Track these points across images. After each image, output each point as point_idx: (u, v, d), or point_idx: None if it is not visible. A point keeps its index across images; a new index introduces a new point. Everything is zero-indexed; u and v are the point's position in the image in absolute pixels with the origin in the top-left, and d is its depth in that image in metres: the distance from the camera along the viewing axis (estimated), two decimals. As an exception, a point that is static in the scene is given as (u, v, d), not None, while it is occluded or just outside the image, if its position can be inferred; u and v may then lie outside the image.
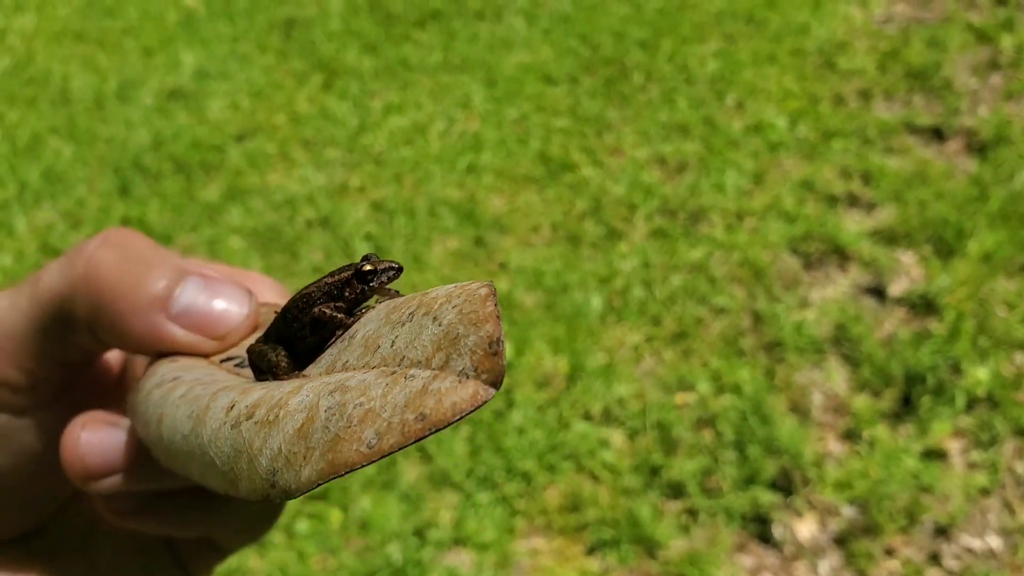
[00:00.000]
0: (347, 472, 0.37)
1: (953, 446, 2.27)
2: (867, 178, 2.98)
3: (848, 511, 2.13)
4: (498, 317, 0.37)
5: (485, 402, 0.36)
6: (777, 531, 2.09)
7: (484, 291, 0.38)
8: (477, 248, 2.83)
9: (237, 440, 0.42)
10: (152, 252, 0.55)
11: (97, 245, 0.54)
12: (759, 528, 2.09)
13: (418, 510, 2.16)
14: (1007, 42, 3.55)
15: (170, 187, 3.24)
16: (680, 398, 2.36)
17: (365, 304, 0.52)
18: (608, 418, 2.33)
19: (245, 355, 0.54)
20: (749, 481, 2.14)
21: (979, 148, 3.13)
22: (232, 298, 0.56)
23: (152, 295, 0.53)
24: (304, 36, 3.97)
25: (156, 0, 4.44)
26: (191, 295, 0.55)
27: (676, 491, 2.16)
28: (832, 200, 2.90)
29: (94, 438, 0.54)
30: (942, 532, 2.11)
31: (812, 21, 3.67)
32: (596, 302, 2.62)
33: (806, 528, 2.10)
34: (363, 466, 0.37)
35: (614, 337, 2.54)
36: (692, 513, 2.12)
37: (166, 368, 0.54)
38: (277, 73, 3.76)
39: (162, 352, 0.55)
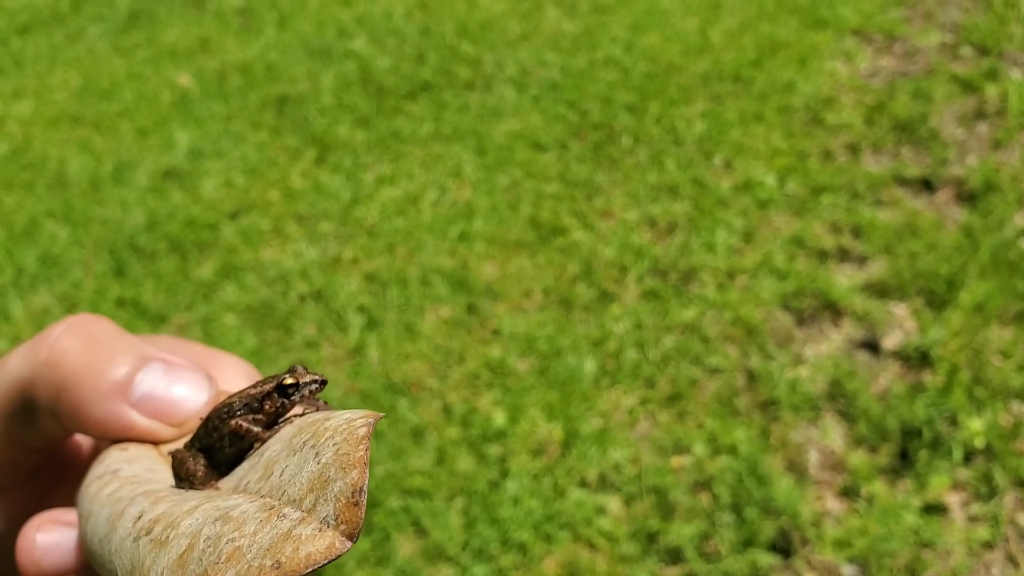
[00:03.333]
0: None
1: (953, 500, 2.23)
2: (857, 232, 2.99)
3: (848, 570, 2.09)
4: (365, 464, 0.37)
5: (340, 555, 0.36)
6: (778, 595, 2.05)
7: (362, 431, 0.38)
8: (470, 315, 2.84)
9: (134, 555, 0.42)
10: (115, 338, 0.56)
11: (61, 331, 0.55)
12: (760, 593, 2.05)
13: (413, 585, 2.13)
14: (992, 91, 3.59)
15: (165, 267, 3.27)
16: (676, 461, 2.33)
17: (287, 416, 0.51)
18: (604, 484, 2.30)
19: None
20: (747, 543, 2.11)
21: (968, 197, 3.14)
22: (192, 384, 0.57)
23: (113, 381, 0.54)
24: (297, 112, 4.04)
25: (151, 81, 4.53)
26: (151, 381, 0.55)
27: (674, 557, 2.12)
28: (823, 255, 2.91)
29: (49, 540, 0.54)
30: (947, 590, 2.07)
31: (798, 78, 3.72)
32: (590, 365, 2.62)
33: (807, 591, 2.06)
34: None
35: (609, 401, 2.52)
36: (691, 580, 2.08)
37: (113, 457, 0.55)
38: (271, 149, 3.82)
39: (121, 437, 0.56)
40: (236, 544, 0.37)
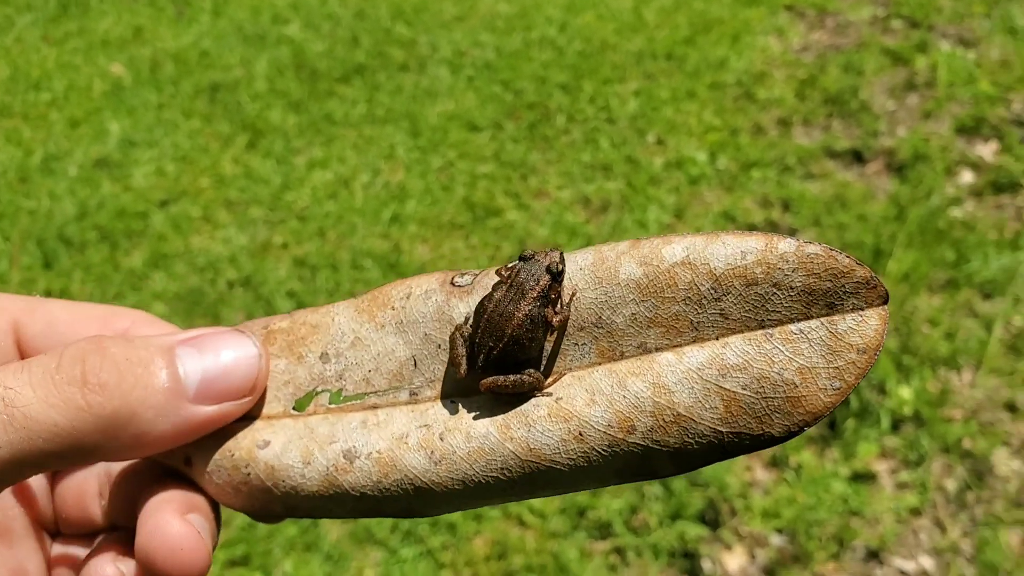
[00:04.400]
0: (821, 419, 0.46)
1: (881, 468, 2.25)
2: (787, 205, 3.00)
3: (777, 540, 2.10)
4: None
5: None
6: (706, 565, 2.05)
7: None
8: (402, 298, 2.81)
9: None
10: (131, 347, 0.50)
11: (84, 367, 0.48)
12: (688, 563, 2.05)
13: (342, 569, 2.10)
14: (921, 63, 3.62)
15: (94, 257, 3.19)
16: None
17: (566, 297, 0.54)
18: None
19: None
20: (675, 516, 2.11)
21: (898, 168, 3.16)
22: (232, 343, 0.52)
23: (163, 390, 0.49)
24: (230, 99, 3.96)
25: (83, 71, 4.43)
26: (194, 367, 0.50)
27: (603, 531, 2.11)
28: (752, 229, 2.91)
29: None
30: (873, 556, 2.08)
31: (730, 55, 3.73)
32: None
33: (735, 560, 2.07)
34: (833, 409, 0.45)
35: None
36: (620, 552, 2.07)
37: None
38: (202, 137, 3.74)
39: (195, 437, 0.52)
40: (798, 365, 0.47)
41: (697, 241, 0.49)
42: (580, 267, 0.51)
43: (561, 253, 0.54)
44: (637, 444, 0.49)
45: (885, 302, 0.43)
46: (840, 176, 3.14)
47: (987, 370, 2.46)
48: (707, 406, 0.48)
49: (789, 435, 0.45)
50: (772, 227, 2.94)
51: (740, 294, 0.46)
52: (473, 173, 3.25)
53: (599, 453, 0.50)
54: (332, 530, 2.16)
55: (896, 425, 2.31)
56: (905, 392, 2.33)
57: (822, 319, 0.44)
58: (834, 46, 3.80)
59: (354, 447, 0.51)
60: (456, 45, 4.06)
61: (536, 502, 2.17)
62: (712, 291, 0.47)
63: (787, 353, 0.44)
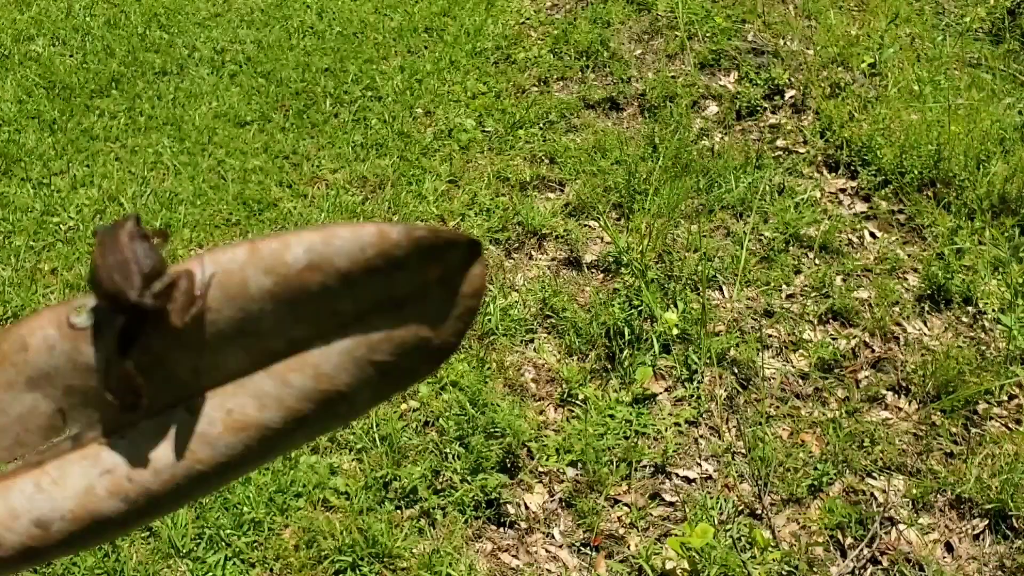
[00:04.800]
0: None
1: (658, 388, 2.41)
2: (553, 159, 3.13)
3: (572, 472, 2.21)
4: None
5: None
6: (510, 510, 2.15)
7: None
8: (185, 307, 2.75)
9: None
10: None
11: None
12: (493, 512, 2.14)
13: (152, 589, 2.06)
14: (662, 6, 3.82)
15: None
16: (404, 407, 2.37)
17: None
18: (336, 444, 2.31)
19: None
20: (476, 470, 2.18)
21: (650, 109, 3.35)
22: None
23: None
24: (-25, 127, 3.72)
25: None
26: None
27: (409, 498, 2.17)
28: (524, 186, 3.02)
29: None
30: (660, 470, 2.24)
31: (487, 21, 3.82)
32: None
33: (535, 500, 2.17)
34: None
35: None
36: (427, 515, 2.13)
37: None
38: (-51, 171, 3.50)
39: None
40: None
41: (315, 240, 0.51)
42: (210, 285, 0.50)
43: (136, 218, 0.48)
44: (314, 428, 0.53)
45: (481, 255, 0.50)
46: (600, 124, 3.30)
47: (743, 283, 2.67)
48: (364, 380, 0.52)
49: (437, 368, 0.51)
50: (543, 182, 3.06)
51: (369, 282, 0.50)
52: (244, 168, 3.21)
53: (283, 448, 0.54)
54: (134, 553, 2.12)
55: (667, 347, 2.47)
56: (671, 316, 2.50)
57: (440, 284, 0.50)
58: (583, 1, 3.96)
59: (41, 516, 0.51)
60: (215, 43, 3.96)
61: (340, 482, 2.20)
62: (343, 285, 0.51)
63: (420, 316, 0.50)
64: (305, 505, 2.18)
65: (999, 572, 2.04)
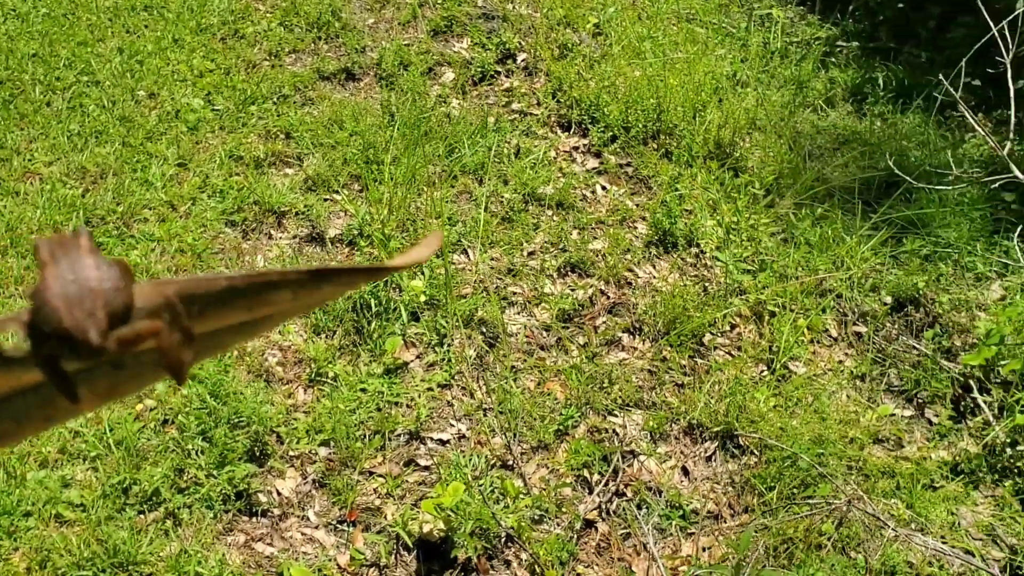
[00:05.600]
0: None
1: (409, 356, 2.41)
2: (289, 134, 3.04)
3: (324, 452, 2.18)
4: None
5: None
6: (261, 498, 2.08)
7: None
8: None
9: None
10: None
11: None
12: (244, 503, 2.07)
13: None
14: (394, -23, 3.79)
15: None
16: (139, 407, 2.24)
17: None
18: (67, 454, 2.15)
19: None
20: (222, 464, 2.10)
21: (387, 78, 3.32)
22: None
23: None
24: None
25: None
26: None
27: (152, 502, 2.05)
28: (259, 164, 2.92)
29: None
30: (415, 437, 2.24)
31: (211, -5, 3.64)
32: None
33: (288, 485, 2.12)
34: None
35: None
36: (173, 516, 2.03)
37: None
38: None
39: None
40: None
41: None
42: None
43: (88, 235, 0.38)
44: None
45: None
46: (336, 96, 3.24)
47: (486, 244, 2.72)
48: None
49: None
50: (280, 158, 2.96)
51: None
52: (-57, 169, 2.89)
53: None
54: None
55: (415, 315, 2.48)
56: (418, 284, 2.50)
57: None
58: (313, -29, 3.85)
59: None
60: (-102, 30, 3.54)
61: (74, 494, 2.05)
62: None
63: None
64: (36, 524, 2.01)
65: (730, 488, 2.21)
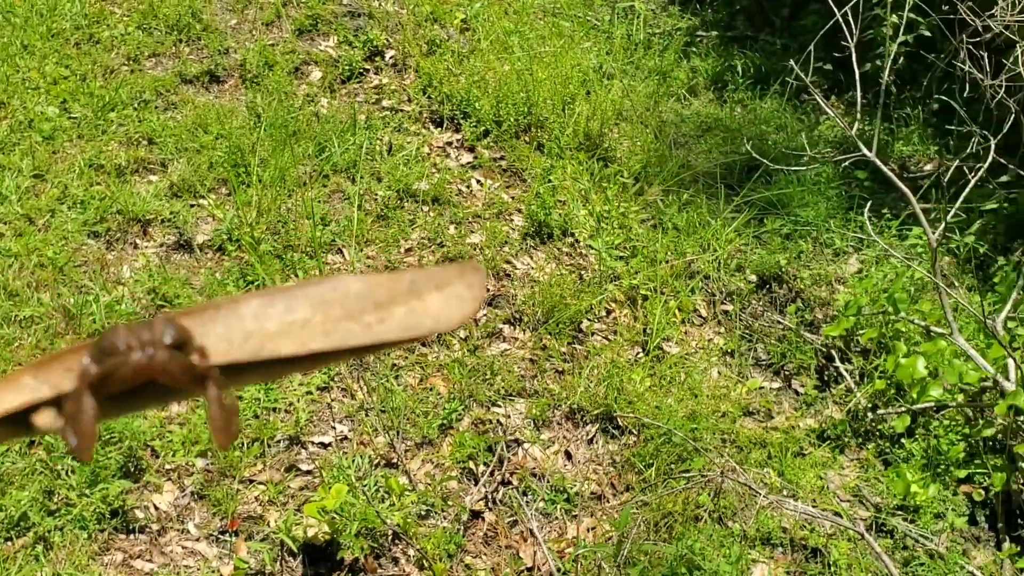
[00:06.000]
0: None
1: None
2: (152, 140, 2.95)
3: (201, 463, 2.13)
4: None
5: None
6: (139, 514, 2.02)
7: None
8: None
9: None
10: None
11: None
12: (120, 521, 2.00)
13: None
14: (256, -23, 3.72)
15: None
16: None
17: None
18: (-76, 487, 2.04)
19: None
20: (94, 482, 2.03)
21: (252, 79, 3.26)
22: None
23: None
24: None
25: None
26: None
27: (20, 527, 1.97)
28: (121, 172, 2.82)
29: None
30: (295, 442, 2.22)
31: (61, 0, 3.49)
32: None
33: (165, 499, 2.06)
34: None
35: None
36: (43, 540, 1.95)
37: None
38: None
39: None
40: None
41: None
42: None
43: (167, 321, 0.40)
44: None
45: None
46: (200, 99, 3.16)
47: (362, 243, 2.71)
48: None
49: None
50: (143, 165, 2.87)
51: None
52: None
53: None
54: None
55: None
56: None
57: None
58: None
59: None
60: None
61: (-67, 528, 1.95)
62: None
63: None
64: None
65: (611, 468, 2.27)
